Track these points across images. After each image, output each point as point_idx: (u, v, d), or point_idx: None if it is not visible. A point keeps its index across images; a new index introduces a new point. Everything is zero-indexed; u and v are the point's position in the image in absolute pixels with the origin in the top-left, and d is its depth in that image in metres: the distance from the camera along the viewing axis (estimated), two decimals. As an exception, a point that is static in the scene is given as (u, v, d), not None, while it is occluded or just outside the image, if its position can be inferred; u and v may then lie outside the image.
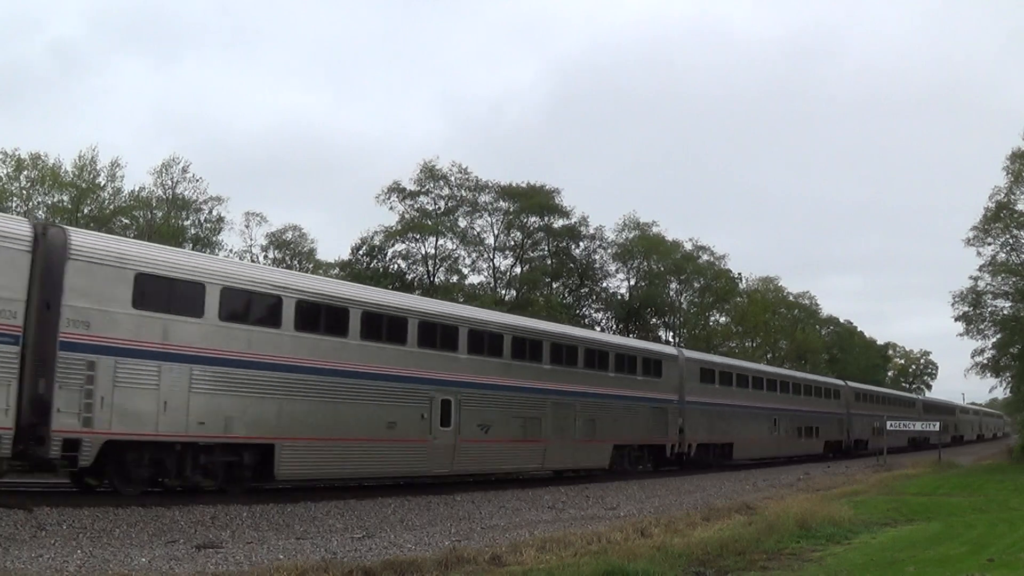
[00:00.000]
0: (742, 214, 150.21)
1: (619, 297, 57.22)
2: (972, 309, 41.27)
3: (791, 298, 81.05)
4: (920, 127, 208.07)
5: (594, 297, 56.92)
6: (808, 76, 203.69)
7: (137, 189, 44.59)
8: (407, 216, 48.97)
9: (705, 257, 63.41)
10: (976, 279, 41.00)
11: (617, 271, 57.79)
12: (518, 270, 52.66)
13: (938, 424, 50.02)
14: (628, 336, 48.88)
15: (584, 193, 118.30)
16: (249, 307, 16.94)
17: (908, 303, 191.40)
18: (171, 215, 45.01)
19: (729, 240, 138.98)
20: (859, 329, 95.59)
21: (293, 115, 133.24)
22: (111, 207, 43.46)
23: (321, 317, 18.06)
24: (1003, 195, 39.26)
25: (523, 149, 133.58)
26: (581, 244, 54.35)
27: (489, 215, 51.35)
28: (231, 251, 47.48)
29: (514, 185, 50.77)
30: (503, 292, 50.04)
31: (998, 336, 41.16)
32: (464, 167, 49.89)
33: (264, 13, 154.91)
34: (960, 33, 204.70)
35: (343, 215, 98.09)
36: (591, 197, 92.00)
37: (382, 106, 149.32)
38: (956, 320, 42.03)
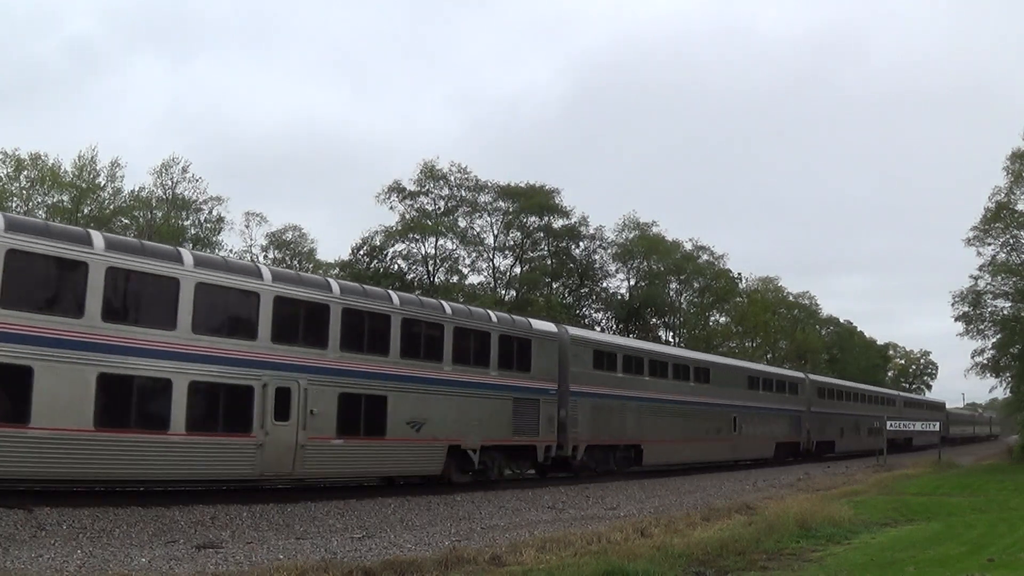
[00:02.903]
0: (750, 213, 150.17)
1: (619, 297, 57.25)
2: (972, 309, 41.26)
3: (791, 298, 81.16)
4: (937, 127, 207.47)
5: (594, 297, 56.96)
6: (828, 74, 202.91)
7: (137, 189, 44.72)
8: (407, 216, 49.03)
9: (705, 257, 63.51)
10: (976, 279, 41.05)
11: (617, 271, 57.90)
12: (518, 270, 52.72)
13: (938, 424, 49.82)
14: (628, 335, 48.84)
15: (594, 191, 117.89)
16: None
17: (915, 303, 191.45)
18: (171, 215, 45.06)
19: (735, 240, 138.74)
20: (859, 329, 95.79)
21: (308, 113, 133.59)
22: (111, 207, 43.52)
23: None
24: (1003, 195, 39.30)
25: (537, 148, 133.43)
26: (581, 244, 54.42)
27: (489, 215, 51.43)
28: (231, 251, 47.54)
29: (513, 185, 50.82)
30: (503, 292, 50.06)
31: (998, 336, 41.14)
32: (464, 167, 49.99)
33: (281, 11, 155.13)
34: (984, 34, 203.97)
35: (354, 214, 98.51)
36: (600, 196, 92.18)
37: (398, 104, 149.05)
38: (956, 320, 42.06)
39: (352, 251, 48.98)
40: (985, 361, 42.28)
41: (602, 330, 52.19)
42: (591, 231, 54.24)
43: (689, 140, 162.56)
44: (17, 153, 41.06)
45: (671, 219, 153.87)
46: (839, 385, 52.71)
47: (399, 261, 49.15)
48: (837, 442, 47.44)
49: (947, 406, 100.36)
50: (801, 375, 46.23)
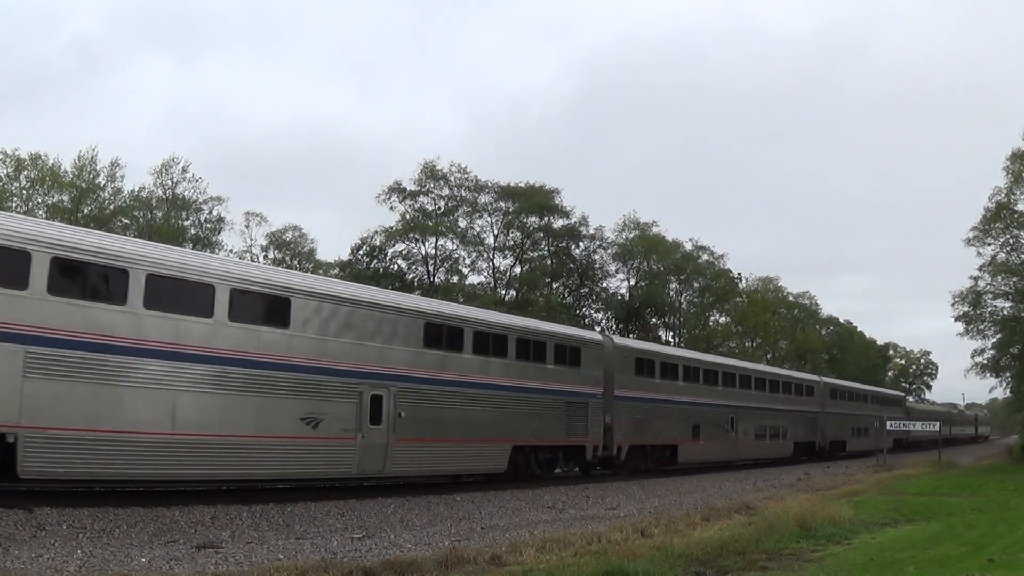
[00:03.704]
0: (751, 213, 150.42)
1: (619, 297, 57.31)
2: (972, 309, 41.33)
3: (791, 298, 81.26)
4: (938, 127, 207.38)
5: (594, 297, 57.01)
6: (830, 74, 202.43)
7: (137, 189, 44.80)
8: (407, 216, 49.09)
9: (705, 257, 63.60)
10: (976, 279, 41.11)
11: (617, 271, 58.00)
12: (518, 270, 52.78)
13: (938, 424, 49.44)
14: (629, 335, 48.73)
15: (596, 191, 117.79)
16: None
17: (916, 303, 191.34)
18: (171, 215, 45.12)
19: (735, 240, 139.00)
20: (859, 329, 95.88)
21: (311, 113, 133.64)
22: (111, 207, 43.57)
23: None
24: (1003, 195, 39.36)
25: (540, 147, 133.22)
26: (581, 244, 54.49)
27: (489, 215, 51.50)
28: (231, 251, 47.57)
29: (513, 185, 50.87)
30: (503, 292, 50.08)
31: (998, 336, 41.19)
32: (464, 167, 50.05)
33: (284, 11, 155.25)
34: (986, 34, 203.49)
35: (357, 214, 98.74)
36: (602, 195, 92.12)
37: (401, 104, 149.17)
38: (956, 320, 42.13)
39: (352, 251, 49.09)
40: (985, 361, 42.41)
41: (602, 330, 51.94)
42: (591, 231, 54.41)
43: (690, 140, 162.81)
44: (17, 153, 41.18)
45: (672, 219, 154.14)
46: (679, 357, 34.02)
47: (399, 261, 49.26)
48: (683, 448, 31.46)
49: (938, 402, 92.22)
50: (596, 337, 28.61)
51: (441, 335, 21.12)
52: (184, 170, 45.65)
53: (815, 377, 48.55)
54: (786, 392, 41.62)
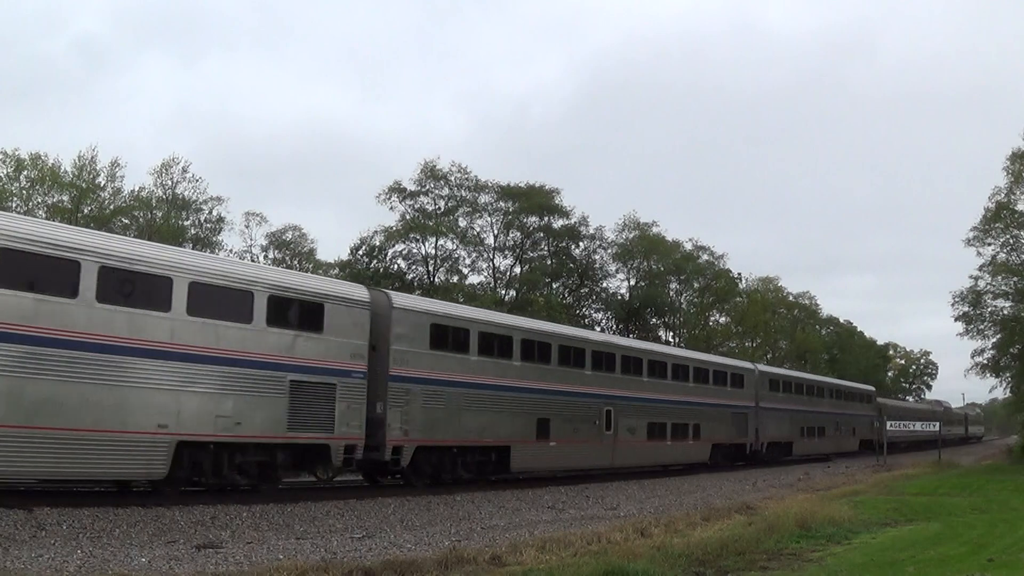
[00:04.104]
0: (753, 213, 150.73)
1: (619, 297, 57.32)
2: (972, 309, 41.33)
3: (791, 298, 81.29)
4: (943, 126, 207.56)
5: (594, 297, 57.02)
6: (836, 73, 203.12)
7: (137, 189, 44.80)
8: (407, 216, 49.09)
9: (705, 257, 63.62)
10: (976, 279, 41.12)
11: (617, 271, 58.00)
12: (518, 270, 52.77)
13: (938, 424, 49.36)
14: (629, 335, 48.69)
15: (599, 191, 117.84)
16: None
17: (917, 303, 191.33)
18: (171, 215, 45.11)
19: (737, 239, 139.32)
20: (859, 329, 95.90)
21: (317, 112, 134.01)
22: (111, 207, 43.56)
23: None
24: (1003, 195, 39.34)
25: (545, 147, 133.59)
26: (581, 244, 54.49)
27: (489, 215, 51.48)
28: (231, 251, 47.54)
29: (513, 185, 50.86)
30: (503, 292, 50.08)
31: (998, 336, 41.19)
32: (464, 167, 50.01)
33: (291, 11, 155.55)
34: (992, 35, 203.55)
35: (362, 213, 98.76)
36: (606, 195, 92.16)
37: (407, 104, 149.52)
38: (956, 320, 42.13)
39: (351, 251, 49.06)
40: (985, 361, 42.41)
41: (602, 330, 51.93)
42: (591, 231, 54.40)
43: (694, 140, 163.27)
44: (17, 153, 41.15)
45: (675, 218, 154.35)
46: (514, 329, 24.51)
47: (399, 261, 49.24)
48: (520, 450, 23.49)
49: (937, 400, 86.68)
50: (355, 292, 20.06)
51: (30, 270, 13.71)
52: (184, 170, 45.70)
53: (747, 364, 40.51)
54: (700, 380, 33.37)
